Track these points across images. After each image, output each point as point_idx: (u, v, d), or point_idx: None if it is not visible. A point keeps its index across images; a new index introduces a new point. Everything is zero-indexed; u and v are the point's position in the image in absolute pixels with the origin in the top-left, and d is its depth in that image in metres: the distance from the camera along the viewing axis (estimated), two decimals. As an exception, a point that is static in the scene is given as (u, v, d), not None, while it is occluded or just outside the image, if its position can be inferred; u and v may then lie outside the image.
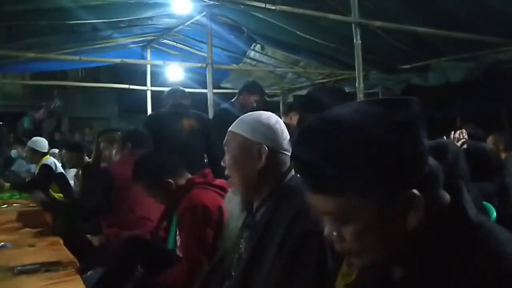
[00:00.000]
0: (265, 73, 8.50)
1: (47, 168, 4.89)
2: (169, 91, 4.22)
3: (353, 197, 0.75)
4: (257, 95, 4.40)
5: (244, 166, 1.54)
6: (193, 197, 2.13)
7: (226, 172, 1.61)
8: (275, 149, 1.55)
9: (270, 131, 1.56)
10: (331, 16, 4.57)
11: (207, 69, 5.80)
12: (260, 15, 5.76)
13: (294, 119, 4.92)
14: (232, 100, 4.48)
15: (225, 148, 1.61)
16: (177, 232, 2.34)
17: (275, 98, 9.40)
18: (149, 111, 8.15)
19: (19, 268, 1.97)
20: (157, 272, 2.20)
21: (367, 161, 0.73)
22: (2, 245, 2.42)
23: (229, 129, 1.62)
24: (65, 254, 2.23)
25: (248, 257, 1.49)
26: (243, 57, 7.91)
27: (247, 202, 1.61)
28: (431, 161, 0.80)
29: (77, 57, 6.67)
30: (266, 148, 1.52)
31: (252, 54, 7.70)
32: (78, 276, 1.92)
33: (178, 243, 2.32)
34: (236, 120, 1.63)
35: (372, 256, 0.79)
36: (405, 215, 0.75)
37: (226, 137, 1.62)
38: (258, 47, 7.45)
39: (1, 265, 2.01)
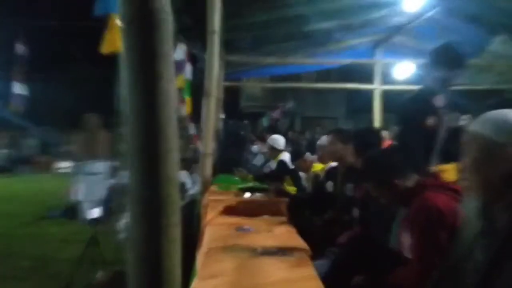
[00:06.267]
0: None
1: (283, 163, 5.45)
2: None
3: None
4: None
5: (486, 170, 1.41)
6: (426, 199, 2.07)
7: (463, 174, 1.51)
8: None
9: None
10: None
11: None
12: (504, 4, 5.18)
13: None
14: None
15: (463, 148, 1.50)
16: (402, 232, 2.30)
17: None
18: (376, 112, 8.10)
19: (260, 250, 2.21)
20: (383, 271, 2.19)
21: None
22: (247, 228, 2.74)
23: (469, 128, 1.51)
24: (299, 242, 2.40)
25: (486, 267, 1.37)
26: (480, 51, 7.18)
27: (486, 208, 1.49)
28: None
29: (311, 60, 7.11)
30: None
31: (493, 47, 6.93)
32: (311, 264, 2.06)
33: (405, 244, 2.27)
34: (477, 119, 1.50)
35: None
36: None
37: (463, 137, 1.52)
38: (500, 39, 6.67)
39: (247, 246, 2.29)
